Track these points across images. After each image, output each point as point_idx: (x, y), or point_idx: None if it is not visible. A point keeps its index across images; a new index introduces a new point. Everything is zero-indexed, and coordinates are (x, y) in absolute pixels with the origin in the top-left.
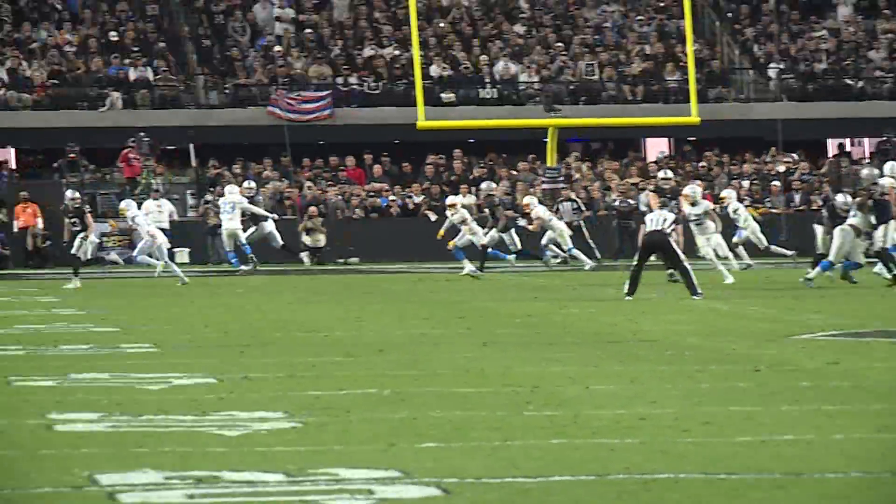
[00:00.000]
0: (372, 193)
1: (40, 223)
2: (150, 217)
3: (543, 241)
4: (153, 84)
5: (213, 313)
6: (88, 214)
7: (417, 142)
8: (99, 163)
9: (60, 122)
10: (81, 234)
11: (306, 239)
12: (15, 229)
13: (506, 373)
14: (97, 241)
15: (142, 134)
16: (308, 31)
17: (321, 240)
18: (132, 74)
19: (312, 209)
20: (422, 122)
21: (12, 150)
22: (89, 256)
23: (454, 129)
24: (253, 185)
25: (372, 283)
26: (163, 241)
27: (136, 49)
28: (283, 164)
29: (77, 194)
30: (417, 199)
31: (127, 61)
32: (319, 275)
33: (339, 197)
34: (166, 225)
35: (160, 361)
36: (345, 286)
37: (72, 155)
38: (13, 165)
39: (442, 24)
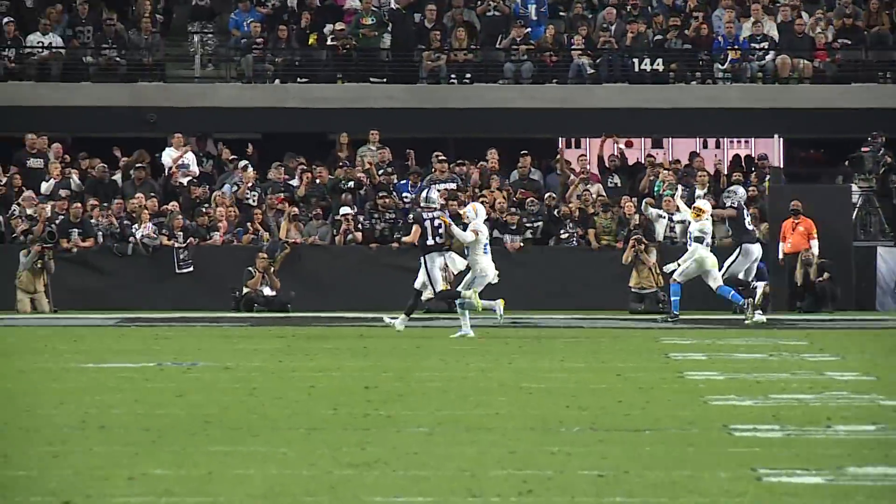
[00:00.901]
0: None
1: (815, 247)
2: None
3: None
4: None
5: None
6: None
7: None
8: None
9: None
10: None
11: None
12: (780, 254)
13: None
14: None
15: None
16: None
17: None
18: None
19: None
20: None
21: (778, 142)
22: (438, 288)
23: None
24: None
25: None
26: None
27: None
28: None
29: (434, 195)
30: None
31: None
32: None
33: None
34: None
35: None
36: None
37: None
38: (779, 162)
39: None
